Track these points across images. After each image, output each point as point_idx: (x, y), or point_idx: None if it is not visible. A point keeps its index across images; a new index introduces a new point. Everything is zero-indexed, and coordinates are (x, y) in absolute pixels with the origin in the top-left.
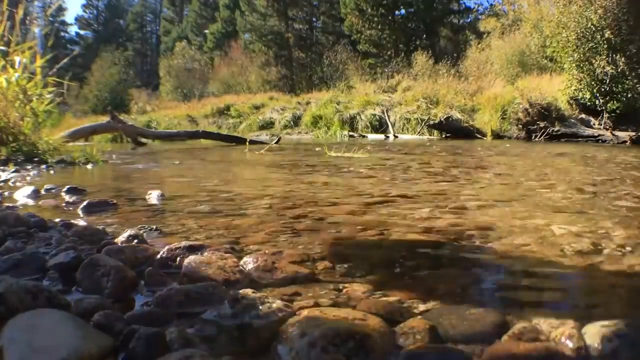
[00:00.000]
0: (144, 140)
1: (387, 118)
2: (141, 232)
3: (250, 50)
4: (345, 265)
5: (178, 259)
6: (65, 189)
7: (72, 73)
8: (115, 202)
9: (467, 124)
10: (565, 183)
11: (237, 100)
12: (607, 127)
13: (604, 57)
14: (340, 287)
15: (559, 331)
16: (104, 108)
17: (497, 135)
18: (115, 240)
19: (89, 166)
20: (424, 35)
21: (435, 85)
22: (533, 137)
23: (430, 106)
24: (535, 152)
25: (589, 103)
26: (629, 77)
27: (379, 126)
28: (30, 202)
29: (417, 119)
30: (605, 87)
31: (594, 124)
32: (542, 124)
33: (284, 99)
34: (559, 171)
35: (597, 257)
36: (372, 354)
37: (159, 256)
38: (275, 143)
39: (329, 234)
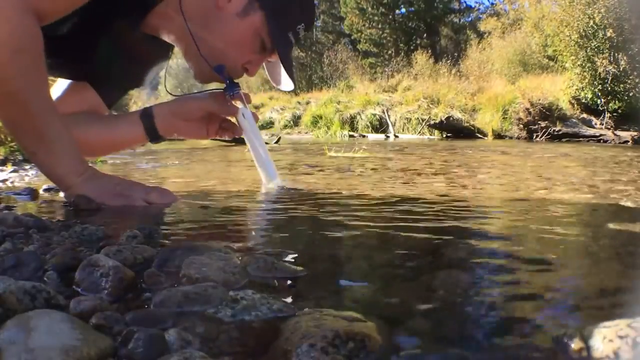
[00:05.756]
0: None
1: (387, 118)
2: (140, 232)
3: None
4: (346, 266)
5: (177, 259)
6: None
7: None
8: None
9: (468, 124)
10: (567, 183)
11: None
12: (609, 127)
13: (606, 56)
14: (341, 288)
15: (560, 332)
16: None
17: (498, 135)
18: (114, 241)
19: None
20: (425, 35)
21: (436, 85)
22: (534, 137)
23: (430, 106)
24: (537, 152)
25: (590, 103)
26: (630, 77)
27: (380, 126)
28: (29, 202)
29: (417, 118)
30: (607, 86)
31: (596, 124)
32: (543, 124)
33: (284, 98)
34: (560, 171)
35: (600, 258)
36: (372, 354)
37: (157, 256)
38: (275, 143)
39: (330, 234)
